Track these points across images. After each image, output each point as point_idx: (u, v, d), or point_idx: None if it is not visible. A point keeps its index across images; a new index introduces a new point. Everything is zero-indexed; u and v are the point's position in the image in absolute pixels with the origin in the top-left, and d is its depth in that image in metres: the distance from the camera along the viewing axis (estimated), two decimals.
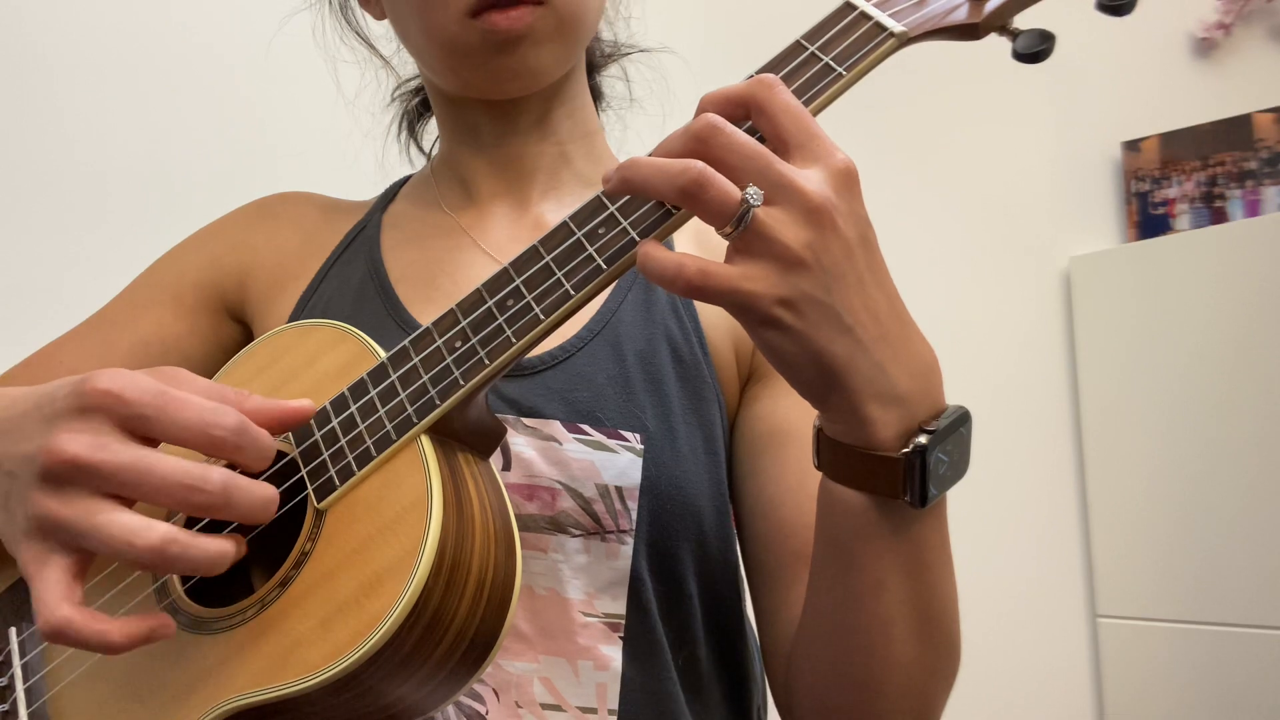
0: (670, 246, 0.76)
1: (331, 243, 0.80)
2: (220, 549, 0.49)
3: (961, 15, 0.53)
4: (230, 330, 0.80)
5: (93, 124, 1.31)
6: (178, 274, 0.80)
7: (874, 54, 0.52)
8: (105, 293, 0.82)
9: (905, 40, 0.53)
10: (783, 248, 0.47)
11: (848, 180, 0.49)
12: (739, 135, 0.48)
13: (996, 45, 0.55)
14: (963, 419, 0.52)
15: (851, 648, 0.57)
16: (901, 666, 0.56)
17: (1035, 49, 0.52)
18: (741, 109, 0.50)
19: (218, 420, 0.49)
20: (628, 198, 0.52)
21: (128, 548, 0.46)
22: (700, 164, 0.47)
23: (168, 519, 0.51)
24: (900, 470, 0.50)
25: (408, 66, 0.88)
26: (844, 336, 0.48)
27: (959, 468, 0.53)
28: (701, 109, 0.51)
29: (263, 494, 0.49)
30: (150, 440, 0.49)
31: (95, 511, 0.47)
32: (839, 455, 0.52)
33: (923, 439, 0.50)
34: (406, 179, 0.86)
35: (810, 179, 0.48)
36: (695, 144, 0.48)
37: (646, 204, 0.52)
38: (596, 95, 0.87)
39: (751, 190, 0.47)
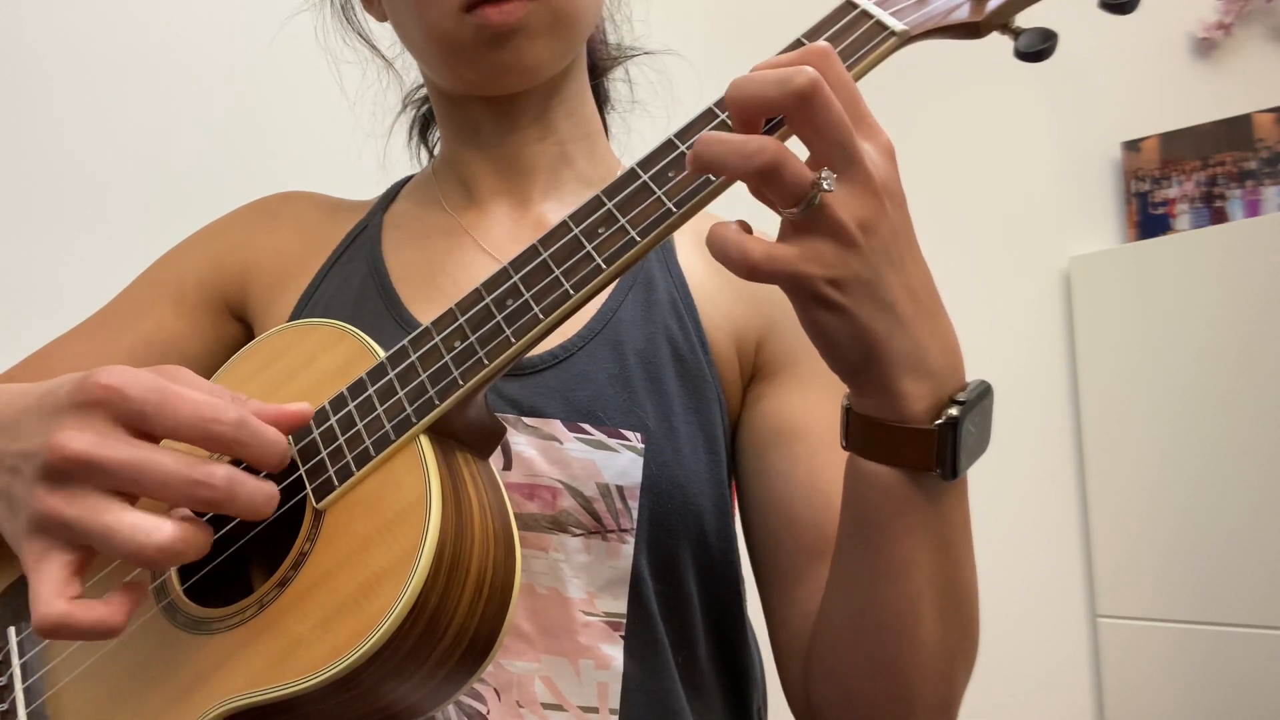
0: (671, 245, 0.76)
1: (332, 242, 0.80)
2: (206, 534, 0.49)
3: (963, 14, 0.53)
4: (231, 329, 0.80)
5: (93, 124, 1.31)
6: (179, 273, 0.80)
7: (875, 53, 0.52)
8: (105, 292, 0.81)
9: (906, 39, 0.52)
10: (840, 227, 0.47)
11: (894, 159, 0.50)
12: (834, 102, 0.47)
13: (997, 44, 0.55)
14: (986, 391, 0.53)
15: (880, 629, 0.57)
16: (928, 648, 0.57)
17: (1037, 48, 0.52)
18: (793, 96, 0.49)
19: (217, 415, 0.48)
20: (625, 196, 0.52)
21: (139, 547, 0.46)
22: (775, 145, 0.46)
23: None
24: (933, 442, 0.51)
25: (410, 70, 0.88)
26: (885, 314, 0.49)
27: (983, 440, 0.54)
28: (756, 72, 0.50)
29: (265, 490, 0.49)
30: (151, 437, 0.49)
31: (102, 510, 0.47)
32: (871, 432, 0.53)
33: (954, 411, 0.51)
34: (408, 179, 0.86)
35: (871, 157, 0.48)
36: (793, 100, 0.47)
37: (646, 202, 0.52)
38: (602, 99, 0.87)
39: (826, 175, 0.47)
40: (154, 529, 0.47)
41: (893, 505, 0.54)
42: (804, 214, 0.47)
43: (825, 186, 0.47)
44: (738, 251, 0.48)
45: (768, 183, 0.47)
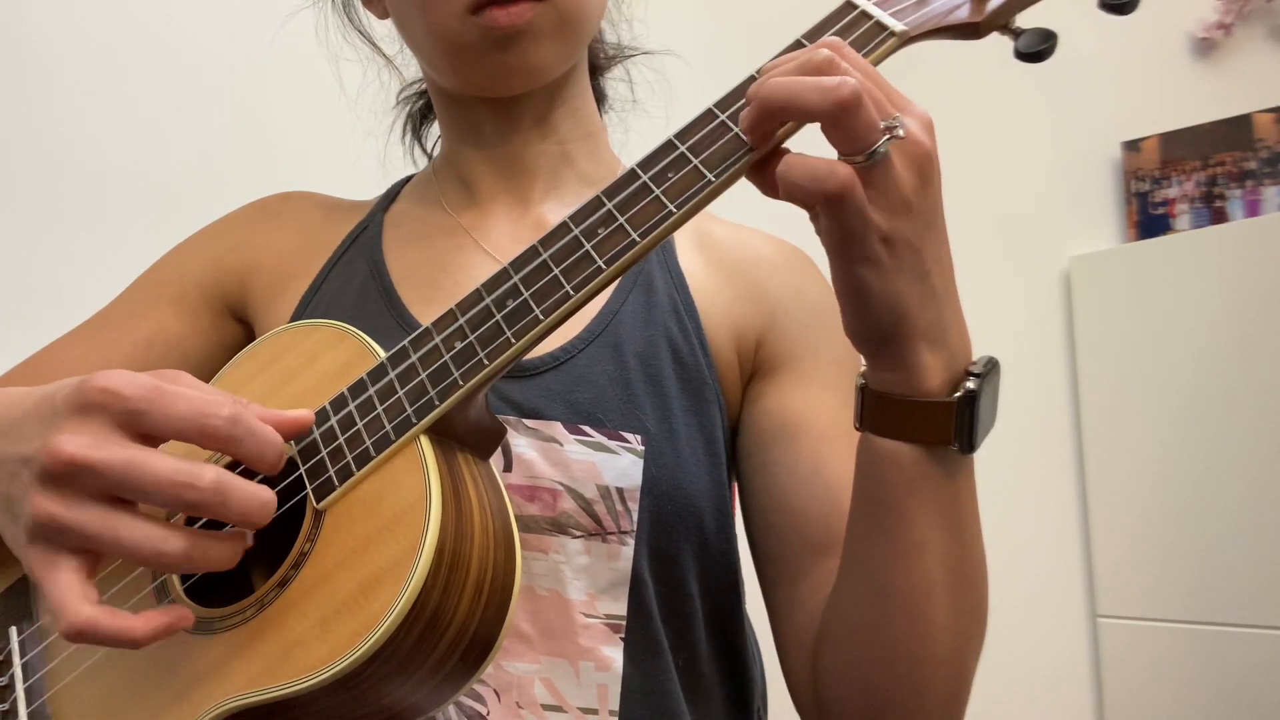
0: (671, 246, 0.76)
1: (333, 242, 0.80)
2: (232, 548, 0.50)
3: (963, 14, 0.53)
4: (232, 330, 0.80)
5: (93, 123, 1.31)
6: (179, 274, 0.80)
7: (875, 53, 0.52)
8: (105, 293, 0.81)
9: (906, 39, 0.53)
10: (895, 187, 0.48)
11: (933, 132, 0.50)
12: (855, 70, 0.47)
13: (997, 44, 0.55)
14: (996, 365, 0.54)
15: (893, 613, 0.57)
16: (940, 633, 0.57)
17: (1037, 48, 0.52)
18: (814, 71, 0.49)
19: (212, 410, 0.48)
20: (625, 197, 0.52)
21: (158, 555, 0.47)
22: (856, 80, 0.46)
23: (168, 519, 0.50)
24: (951, 415, 0.52)
25: (410, 66, 0.88)
26: (921, 283, 0.50)
27: (993, 415, 0.55)
28: (767, 73, 0.50)
29: (258, 494, 0.48)
30: (152, 441, 0.49)
31: (114, 521, 0.47)
32: (887, 408, 0.54)
33: (972, 384, 0.52)
34: (408, 179, 0.86)
35: (913, 128, 0.49)
36: (815, 73, 0.47)
37: (646, 202, 0.51)
38: (600, 98, 0.87)
39: (898, 121, 0.46)
40: (165, 538, 0.47)
41: (907, 484, 0.55)
42: (869, 162, 0.47)
43: (898, 133, 0.46)
44: (827, 170, 0.46)
45: (842, 121, 0.46)
